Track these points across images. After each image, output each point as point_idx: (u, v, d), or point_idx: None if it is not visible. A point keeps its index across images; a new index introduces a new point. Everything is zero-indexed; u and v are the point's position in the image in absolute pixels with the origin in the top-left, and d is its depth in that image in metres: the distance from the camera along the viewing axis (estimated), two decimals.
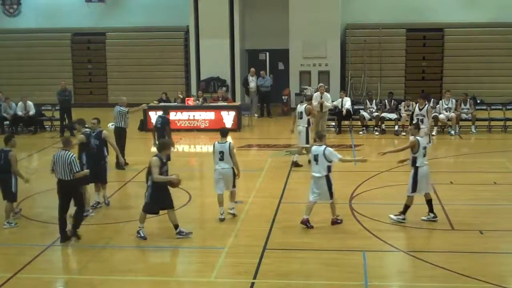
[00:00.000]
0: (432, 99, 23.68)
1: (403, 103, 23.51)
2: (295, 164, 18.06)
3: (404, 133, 22.48)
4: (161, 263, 11.75)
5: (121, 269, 11.25)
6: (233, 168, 13.56)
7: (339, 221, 13.19)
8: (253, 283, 10.49)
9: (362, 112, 23.55)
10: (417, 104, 18.22)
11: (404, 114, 22.81)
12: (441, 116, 22.85)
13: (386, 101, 23.95)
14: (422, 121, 17.33)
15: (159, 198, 12.30)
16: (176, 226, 12.48)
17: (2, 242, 12.76)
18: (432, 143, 19.19)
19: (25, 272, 11.07)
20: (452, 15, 28.48)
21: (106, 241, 12.55)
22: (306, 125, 17.99)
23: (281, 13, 27.67)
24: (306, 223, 12.93)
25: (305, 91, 26.94)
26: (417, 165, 13.00)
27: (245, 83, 27.42)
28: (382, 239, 12.38)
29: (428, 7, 28.53)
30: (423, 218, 13.30)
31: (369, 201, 14.80)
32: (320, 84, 22.21)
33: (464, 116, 23.18)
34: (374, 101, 24.25)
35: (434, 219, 13.26)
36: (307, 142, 17.62)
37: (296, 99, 27.71)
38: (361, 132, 23.34)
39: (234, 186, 13.68)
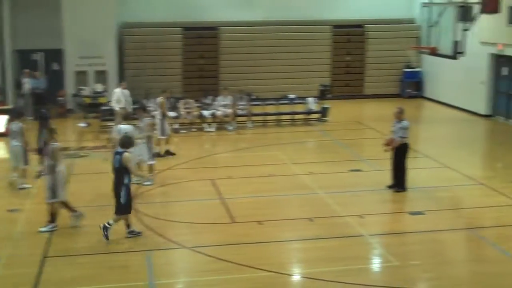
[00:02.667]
0: (209, 96, 24.25)
1: (181, 101, 23.74)
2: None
3: (184, 131, 22.72)
4: None
5: None
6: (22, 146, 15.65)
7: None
8: None
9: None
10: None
11: (183, 112, 23.10)
12: (219, 112, 23.40)
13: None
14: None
15: None
16: None
17: None
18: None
19: None
20: (227, 14, 29.24)
21: None
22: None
23: (54, 13, 26.66)
24: None
25: (81, 91, 26.33)
26: (58, 169, 12.89)
27: (18, 85, 26.17)
28: (166, 237, 12.42)
29: (203, 7, 29.02)
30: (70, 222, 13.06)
31: (151, 200, 14.77)
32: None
33: (240, 112, 23.91)
34: (152, 100, 24.23)
35: (53, 228, 12.91)
36: None
37: (72, 100, 26.95)
38: None
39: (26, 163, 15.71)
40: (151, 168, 16.30)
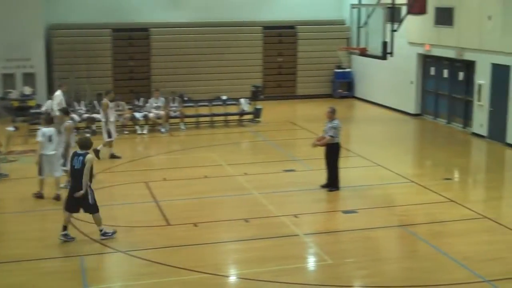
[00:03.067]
0: (141, 98, 24.01)
1: (112, 103, 23.36)
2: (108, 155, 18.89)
3: (116, 134, 22.38)
4: None
5: None
6: None
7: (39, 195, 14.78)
8: None
9: (72, 114, 22.96)
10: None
11: (114, 114, 22.73)
12: (151, 114, 23.19)
13: (95, 102, 23.60)
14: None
15: None
16: None
17: None
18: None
19: None
20: (157, 15, 29.04)
21: None
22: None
23: None
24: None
25: (9, 94, 25.68)
26: None
27: None
28: (100, 242, 12.21)
29: (133, 8, 28.74)
30: None
31: None
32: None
33: (173, 113, 23.75)
34: (83, 102, 23.85)
35: None
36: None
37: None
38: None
39: None
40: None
